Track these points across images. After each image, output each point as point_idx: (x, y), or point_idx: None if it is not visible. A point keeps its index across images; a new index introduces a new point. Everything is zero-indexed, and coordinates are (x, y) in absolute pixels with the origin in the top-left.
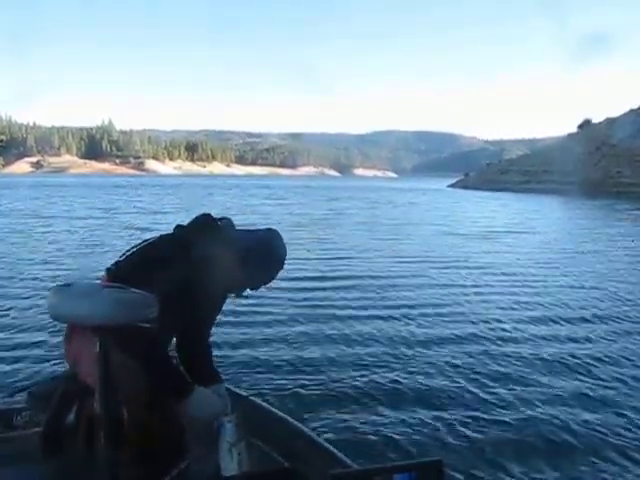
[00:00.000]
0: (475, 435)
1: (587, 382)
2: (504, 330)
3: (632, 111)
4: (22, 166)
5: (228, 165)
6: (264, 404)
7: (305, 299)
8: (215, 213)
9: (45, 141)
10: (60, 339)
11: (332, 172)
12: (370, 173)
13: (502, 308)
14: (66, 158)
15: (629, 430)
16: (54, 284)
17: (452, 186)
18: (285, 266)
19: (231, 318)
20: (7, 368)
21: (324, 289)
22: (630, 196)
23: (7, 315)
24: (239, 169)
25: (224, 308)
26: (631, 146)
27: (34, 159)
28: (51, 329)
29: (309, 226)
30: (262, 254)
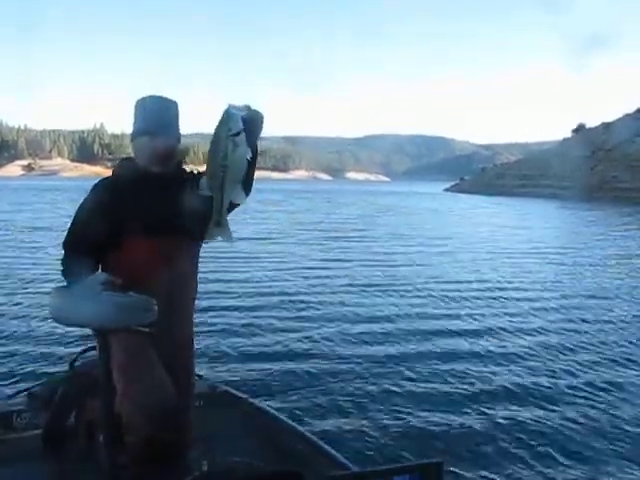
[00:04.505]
0: (476, 437)
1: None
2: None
3: (627, 115)
4: (13, 169)
5: None
6: (264, 406)
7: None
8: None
9: (36, 144)
10: (59, 341)
11: (324, 176)
12: (362, 177)
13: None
14: (57, 161)
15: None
16: (54, 286)
17: (448, 190)
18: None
19: (234, 319)
20: (7, 369)
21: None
22: (629, 201)
23: (7, 316)
24: None
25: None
26: (627, 151)
27: (25, 162)
28: (51, 331)
29: (336, 239)
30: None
